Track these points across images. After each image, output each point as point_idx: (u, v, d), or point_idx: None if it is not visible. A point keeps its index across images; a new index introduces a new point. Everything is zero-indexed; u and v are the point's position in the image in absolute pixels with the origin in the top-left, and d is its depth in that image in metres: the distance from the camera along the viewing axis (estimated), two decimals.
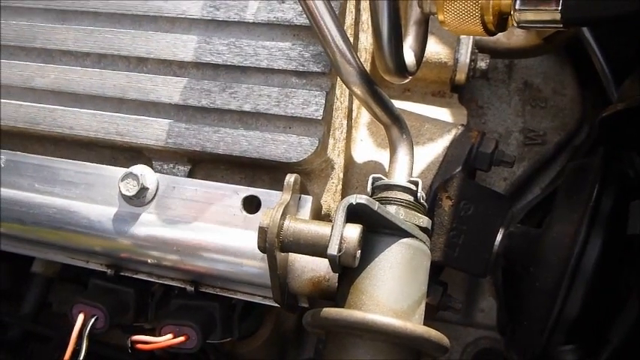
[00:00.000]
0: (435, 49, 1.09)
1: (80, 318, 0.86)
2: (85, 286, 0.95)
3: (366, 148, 1.00)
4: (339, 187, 0.92)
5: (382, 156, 0.98)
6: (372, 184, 0.82)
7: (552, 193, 1.05)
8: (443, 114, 1.10)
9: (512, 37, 1.16)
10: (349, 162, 0.97)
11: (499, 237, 0.97)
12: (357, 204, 0.71)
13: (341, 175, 0.92)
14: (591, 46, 1.01)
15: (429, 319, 0.83)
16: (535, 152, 1.24)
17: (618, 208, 0.88)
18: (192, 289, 0.87)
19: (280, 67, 0.83)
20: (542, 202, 1.10)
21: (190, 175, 0.89)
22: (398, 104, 1.09)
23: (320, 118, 0.81)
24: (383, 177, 0.82)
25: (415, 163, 0.90)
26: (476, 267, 0.97)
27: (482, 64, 1.10)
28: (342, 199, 0.95)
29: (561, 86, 1.24)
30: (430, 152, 0.98)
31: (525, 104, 1.26)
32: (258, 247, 0.73)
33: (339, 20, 0.77)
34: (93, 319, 0.86)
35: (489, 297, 1.25)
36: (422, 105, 1.11)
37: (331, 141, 0.86)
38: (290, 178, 0.76)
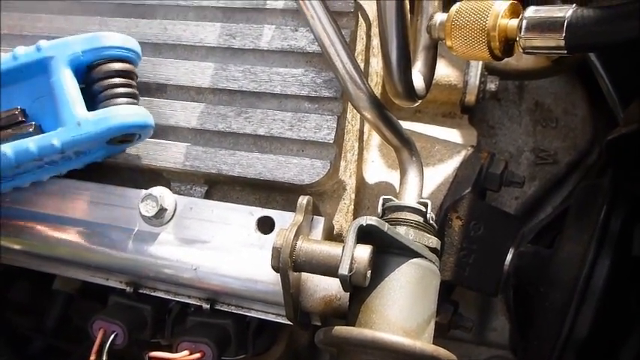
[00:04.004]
0: (445, 71, 1.12)
1: (100, 334, 0.89)
2: (103, 302, 0.98)
3: (377, 169, 1.02)
4: (351, 207, 0.95)
5: (393, 177, 1.00)
6: (383, 205, 0.85)
7: (563, 213, 1.06)
8: (453, 135, 1.12)
9: (522, 60, 1.18)
10: (361, 183, 0.99)
11: (509, 256, 0.99)
12: (368, 225, 0.73)
13: (353, 196, 0.95)
14: (597, 69, 1.03)
15: (441, 338, 0.85)
16: (546, 172, 1.25)
17: (627, 228, 0.89)
18: (208, 306, 0.90)
19: (293, 93, 0.86)
20: (553, 221, 1.11)
21: (207, 195, 0.92)
22: (409, 125, 1.12)
23: (332, 141, 0.84)
24: (393, 198, 0.85)
25: (425, 183, 0.92)
26: (487, 286, 0.98)
27: (492, 85, 1.12)
28: (353, 219, 0.97)
29: (572, 106, 1.26)
30: (440, 173, 1.00)
31: (536, 124, 1.27)
32: (272, 267, 0.75)
33: (349, 47, 0.80)
34: (113, 335, 0.89)
35: (502, 316, 1.26)
36: (432, 126, 1.13)
37: (343, 163, 0.89)
38: (303, 200, 0.79)
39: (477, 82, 1.11)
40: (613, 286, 0.86)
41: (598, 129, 1.24)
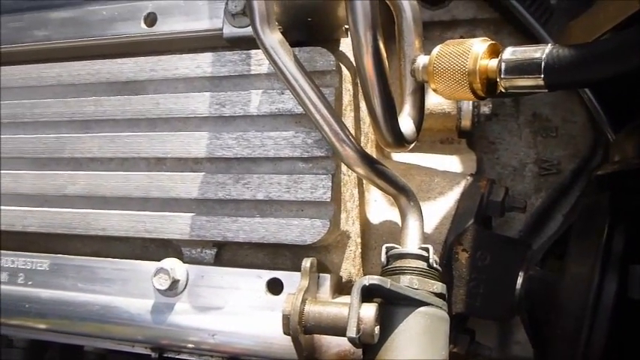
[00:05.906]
0: (437, 100, 1.12)
1: None
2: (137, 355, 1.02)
3: (381, 207, 1.04)
4: (358, 251, 0.97)
5: (397, 214, 1.02)
6: (386, 253, 0.86)
7: (570, 228, 1.07)
8: (453, 162, 1.13)
9: None
10: (365, 224, 1.01)
11: (519, 280, 1.00)
12: (370, 284, 0.75)
13: (358, 240, 0.97)
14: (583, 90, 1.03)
15: None
16: (551, 182, 1.25)
17: (632, 243, 0.89)
18: None
19: (287, 155, 0.88)
20: (560, 238, 1.11)
21: (217, 257, 0.95)
22: (408, 156, 1.13)
23: (329, 199, 0.86)
24: (396, 245, 0.86)
25: (428, 218, 0.93)
26: (499, 313, 1.00)
27: (486, 109, 1.13)
28: (362, 261, 0.99)
29: (570, 114, 1.25)
30: (442, 206, 1.01)
31: (536, 135, 1.27)
32: (284, 333, 0.78)
33: (332, 108, 0.82)
34: None
35: (524, 329, 1.26)
36: (431, 155, 1.15)
37: (343, 215, 0.91)
38: (306, 263, 0.82)
39: (471, 107, 1.12)
40: (622, 305, 0.87)
41: (599, 133, 1.23)
